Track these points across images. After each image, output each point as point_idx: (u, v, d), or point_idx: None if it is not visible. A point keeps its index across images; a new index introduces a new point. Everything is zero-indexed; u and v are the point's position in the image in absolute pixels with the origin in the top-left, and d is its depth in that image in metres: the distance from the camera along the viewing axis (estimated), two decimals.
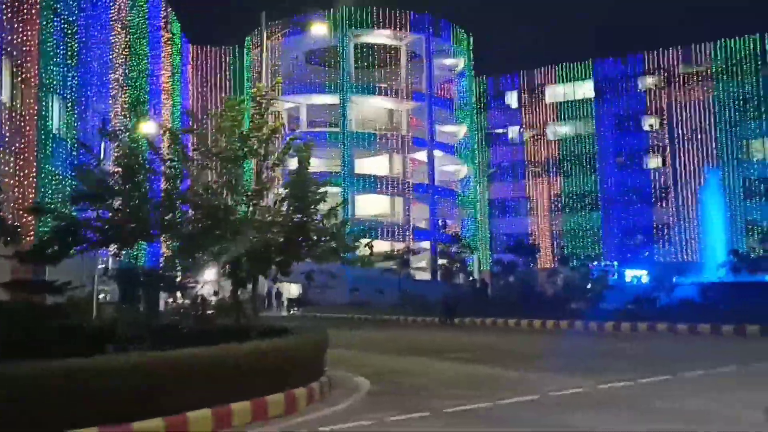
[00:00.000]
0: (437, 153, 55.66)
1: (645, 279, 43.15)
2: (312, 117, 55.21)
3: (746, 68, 58.30)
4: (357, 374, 12.00)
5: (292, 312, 42.72)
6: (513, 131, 66.64)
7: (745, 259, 28.48)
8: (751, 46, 58.37)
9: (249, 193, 12.47)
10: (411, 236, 52.36)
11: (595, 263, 42.37)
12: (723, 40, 59.21)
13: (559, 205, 64.17)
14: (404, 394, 10.22)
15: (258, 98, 13.27)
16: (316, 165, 55.93)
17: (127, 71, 38.11)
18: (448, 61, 58.98)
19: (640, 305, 25.54)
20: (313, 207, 12.59)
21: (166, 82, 47.51)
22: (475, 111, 64.69)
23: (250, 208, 12.37)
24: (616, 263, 38.53)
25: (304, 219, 12.34)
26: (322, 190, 13.21)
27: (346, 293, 47.03)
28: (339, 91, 53.09)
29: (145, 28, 42.33)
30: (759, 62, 57.89)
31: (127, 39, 38.30)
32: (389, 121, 56.50)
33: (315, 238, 12.47)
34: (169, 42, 48.92)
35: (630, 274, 46.31)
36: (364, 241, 14.18)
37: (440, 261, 35.82)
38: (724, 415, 8.22)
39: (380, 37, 54.64)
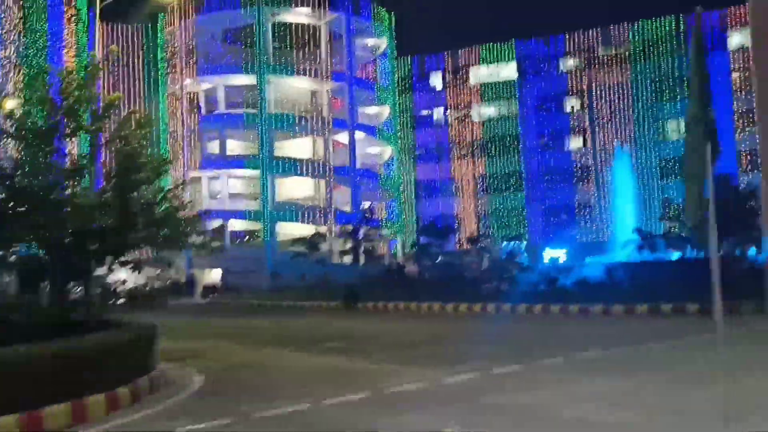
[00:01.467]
0: (359, 135, 54.68)
1: (563, 258, 43.33)
2: (231, 98, 53.37)
3: (662, 49, 59.16)
4: (202, 369, 11.06)
5: (208, 299, 41.37)
6: (438, 113, 66.19)
7: (648, 237, 28.53)
8: (667, 28, 59.22)
9: (70, 171, 11.18)
10: (333, 219, 51.39)
11: (504, 244, 42.22)
12: (640, 21, 59.88)
13: (485, 186, 64.23)
14: (232, 395, 9.33)
15: (91, 69, 11.92)
16: (233, 148, 54.92)
17: (20, 48, 35.79)
18: (370, 41, 57.88)
19: (551, 286, 25.23)
20: (145, 187, 11.41)
21: (70, 61, 45.02)
22: (398, 92, 63.94)
23: (70, 190, 11.14)
24: (524, 243, 38.34)
25: (128, 200, 11.15)
26: (162, 169, 11.93)
27: (268, 278, 45.90)
28: (257, 72, 51.41)
29: (43, 3, 39.89)
30: (674, 43, 58.79)
31: (20, 15, 35.93)
32: (311, 103, 55.18)
33: (141, 223, 11.31)
34: (74, 19, 46.36)
35: (549, 253, 46.49)
36: (215, 225, 13.08)
37: (348, 245, 34.90)
38: (551, 411, 7.56)
39: (299, 15, 53.10)
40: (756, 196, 24.62)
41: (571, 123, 62.19)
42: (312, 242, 37.84)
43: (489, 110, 64.78)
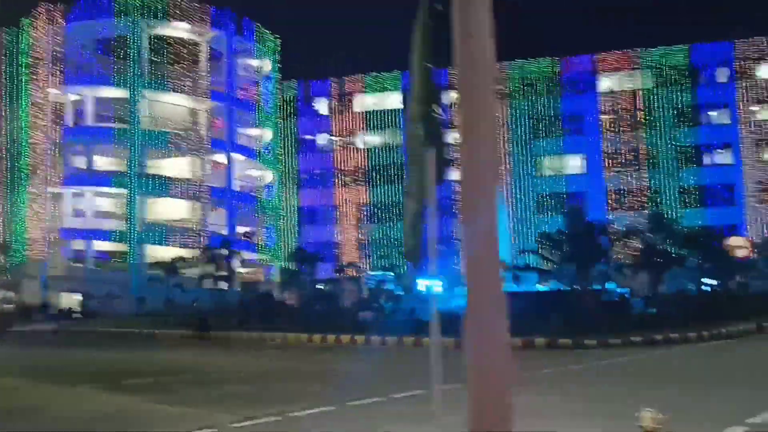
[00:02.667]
0: (239, 157, 52.83)
1: (438, 289, 42.93)
2: (100, 111, 50.26)
3: (538, 89, 60.99)
4: None
5: (54, 326, 37.90)
6: (322, 138, 65.20)
7: (511, 269, 28.45)
8: (543, 68, 61.18)
9: None
10: (205, 242, 49.02)
11: (371, 273, 41.50)
12: (518, 60, 61.58)
13: (368, 214, 63.62)
14: None
15: None
16: (102, 164, 51.60)
17: None
18: (254, 62, 56.41)
19: (419, 317, 24.37)
20: None
21: None
22: (283, 116, 62.66)
23: None
24: (391, 273, 37.77)
25: None
26: None
27: (133, 303, 42.92)
28: (129, 85, 48.68)
29: None
30: (549, 83, 60.77)
31: None
32: (190, 121, 52.88)
33: None
34: None
35: (423, 283, 46.10)
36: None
37: (220, 269, 33.06)
38: None
39: (179, 30, 50.93)
40: (607, 230, 24.99)
41: (454, 155, 62.73)
42: (171, 266, 35.54)
43: (374, 138, 64.49)
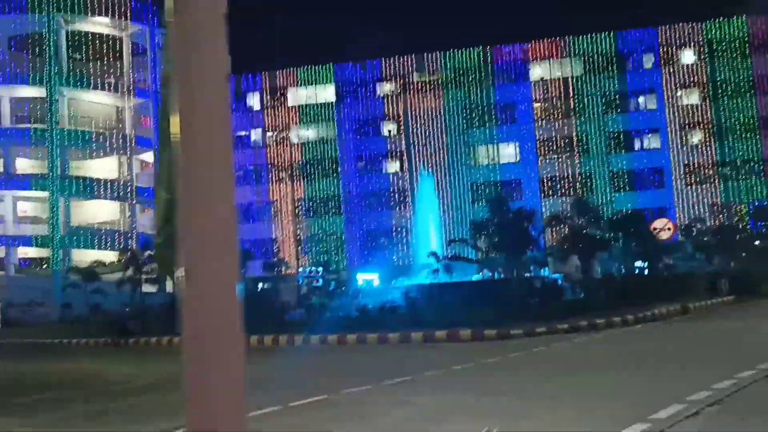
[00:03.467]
0: None
1: (377, 282, 42.42)
2: (18, 112, 47.87)
3: (472, 78, 60.99)
4: None
5: None
6: (256, 134, 63.87)
7: (444, 260, 28.09)
8: (476, 58, 61.20)
9: None
10: (134, 245, 47.25)
11: (301, 269, 40.67)
12: (452, 50, 61.45)
13: (304, 209, 62.66)
14: None
15: None
16: (23, 166, 49.16)
17: None
18: None
19: (357, 313, 23.57)
20: None
21: None
22: None
23: None
24: (321, 269, 36.98)
25: None
26: None
27: (58, 310, 41.01)
28: (47, 83, 46.45)
29: None
30: (482, 73, 60.82)
31: None
32: (115, 120, 50.87)
33: None
34: None
35: (362, 277, 45.50)
36: None
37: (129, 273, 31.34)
38: None
39: (98, 25, 48.87)
40: (534, 218, 24.80)
41: (389, 147, 62.35)
42: (89, 271, 33.93)
43: (308, 132, 63.51)
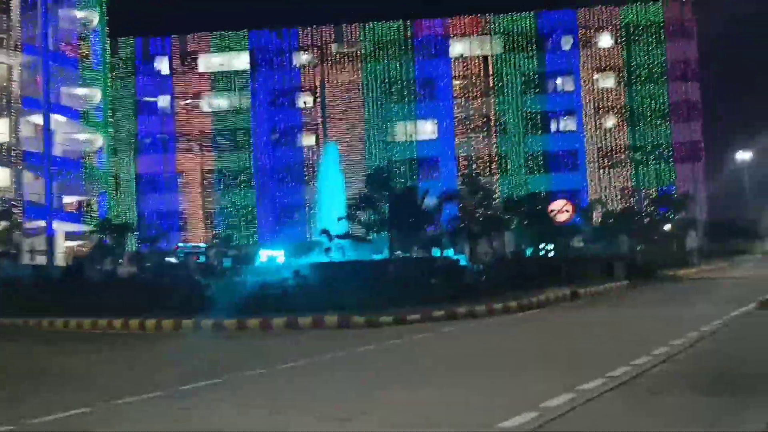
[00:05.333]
0: (60, 118, 47.08)
1: (281, 259, 40.25)
2: None
3: (391, 52, 59.05)
4: None
5: None
6: (164, 100, 60.30)
7: (335, 238, 26.22)
8: (396, 32, 59.25)
9: None
10: (22, 214, 43.53)
11: (181, 243, 38.19)
12: (371, 22, 59.30)
13: (214, 181, 59.76)
14: None
15: None
16: None
17: None
18: (79, 14, 50.40)
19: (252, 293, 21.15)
20: None
21: None
22: (120, 75, 57.38)
23: None
24: (204, 244, 34.62)
25: None
26: None
27: None
28: None
29: None
30: (402, 47, 58.96)
31: None
32: (3, 78, 46.48)
33: None
34: None
35: (265, 254, 43.26)
36: None
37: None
38: None
39: None
40: (428, 196, 23.26)
41: (304, 119, 59.97)
42: None
43: (220, 101, 60.39)
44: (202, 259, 29.11)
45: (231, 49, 59.90)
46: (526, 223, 26.34)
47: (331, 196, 34.59)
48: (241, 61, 59.89)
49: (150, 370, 10.88)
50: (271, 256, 42.48)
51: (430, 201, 24.83)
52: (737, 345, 10.34)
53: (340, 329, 15.82)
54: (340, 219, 24.27)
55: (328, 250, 26.53)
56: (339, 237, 25.46)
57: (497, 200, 28.17)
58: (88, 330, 18.16)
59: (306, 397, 7.86)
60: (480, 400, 7.25)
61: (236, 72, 59.59)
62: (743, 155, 63.90)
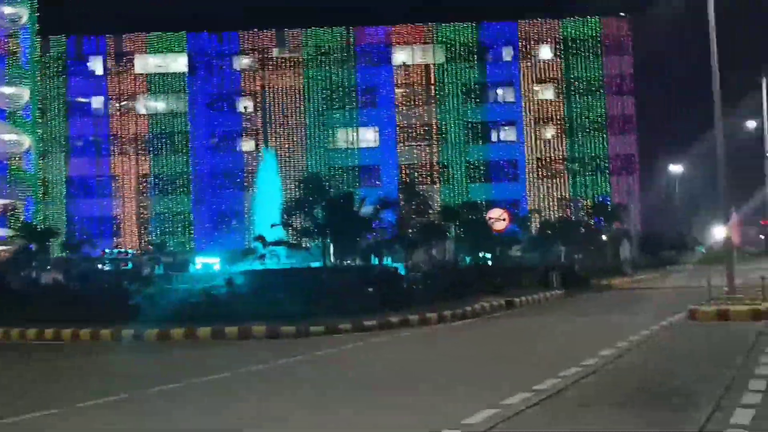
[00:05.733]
0: None
1: (217, 267, 39.14)
2: None
3: (333, 58, 58.60)
4: None
5: None
6: (97, 101, 58.32)
7: (269, 245, 25.54)
8: (339, 38, 58.84)
9: None
10: None
11: (107, 250, 36.89)
12: (313, 28, 58.74)
13: (149, 186, 58.03)
14: None
15: None
16: None
17: None
18: (8, 9, 48.33)
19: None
20: None
21: None
22: (49, 75, 55.29)
23: None
24: (132, 250, 33.45)
25: None
26: None
27: None
28: None
29: None
30: (344, 53, 58.58)
31: None
32: None
33: None
34: None
35: (201, 261, 42.06)
36: None
37: None
38: None
39: None
40: (365, 203, 22.88)
41: (244, 124, 58.88)
42: None
43: (156, 104, 58.76)
44: (130, 265, 27.91)
45: (169, 51, 58.43)
46: (463, 231, 26.21)
47: (267, 203, 33.82)
48: (179, 63, 58.46)
49: (37, 386, 10.10)
50: (207, 263, 41.42)
51: (367, 208, 24.42)
52: (664, 356, 10.24)
53: (269, 339, 15.25)
54: (273, 225, 23.58)
55: (262, 257, 25.82)
56: (273, 244, 24.77)
57: (435, 208, 27.95)
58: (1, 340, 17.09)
59: (199, 419, 7.30)
60: (396, 421, 6.83)
61: (174, 74, 58.14)
62: (675, 168, 65.83)
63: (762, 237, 70.32)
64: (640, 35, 58.16)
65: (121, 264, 27.71)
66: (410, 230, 23.48)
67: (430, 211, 25.05)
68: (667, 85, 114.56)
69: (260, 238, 26.34)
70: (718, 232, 44.95)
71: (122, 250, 34.78)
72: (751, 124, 36.77)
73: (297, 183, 21.58)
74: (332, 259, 25.20)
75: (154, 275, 28.84)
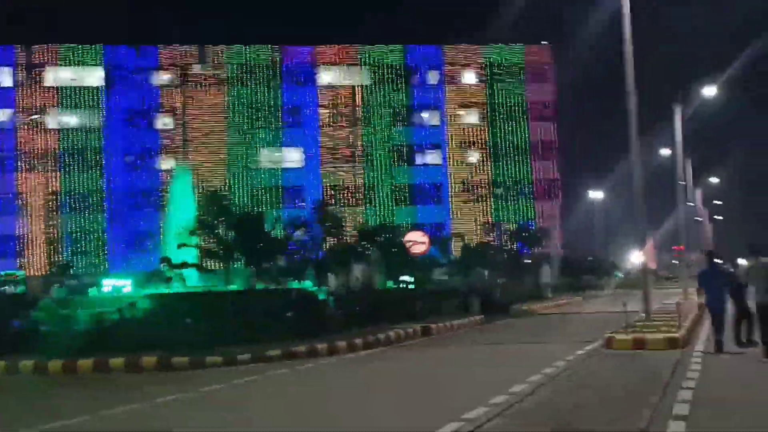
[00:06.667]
0: None
1: (128, 289, 36.83)
2: None
3: (257, 77, 57.32)
4: None
5: None
6: (4, 114, 55.10)
7: (175, 267, 23.93)
8: (263, 56, 57.66)
9: None
10: None
11: None
12: (237, 46, 57.37)
13: (59, 204, 54.95)
14: None
15: None
16: None
17: None
18: None
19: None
20: None
21: None
22: None
23: None
24: (22, 271, 31.12)
25: None
26: None
27: None
28: None
29: None
30: (269, 73, 57.40)
31: None
32: None
33: None
34: None
35: (110, 283, 39.60)
36: None
37: None
38: None
39: None
40: (276, 223, 21.65)
41: (163, 141, 56.68)
42: None
43: (69, 118, 55.95)
44: (21, 289, 25.65)
45: (83, 64, 55.87)
46: (382, 254, 25.26)
47: (178, 222, 32.03)
48: (94, 76, 55.96)
49: None
50: (117, 285, 38.98)
51: (285, 230, 23.19)
52: (578, 394, 9.41)
53: (159, 371, 13.74)
54: (179, 246, 22.01)
55: (168, 280, 24.15)
56: (178, 266, 23.15)
57: (351, 230, 26.97)
58: None
59: None
60: None
61: (88, 88, 55.59)
62: (595, 194, 67.14)
63: (675, 262, 72.47)
64: (563, 62, 59.34)
65: (8, 287, 25.34)
66: (323, 252, 22.35)
67: (344, 234, 23.97)
68: (589, 111, 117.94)
69: (166, 260, 24.71)
70: (636, 257, 45.69)
71: (11, 271, 32.11)
72: (666, 151, 37.51)
73: (198, 202, 20.04)
74: (246, 282, 23.80)
75: (44, 299, 26.61)
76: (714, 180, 62.88)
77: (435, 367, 13.27)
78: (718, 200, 71.33)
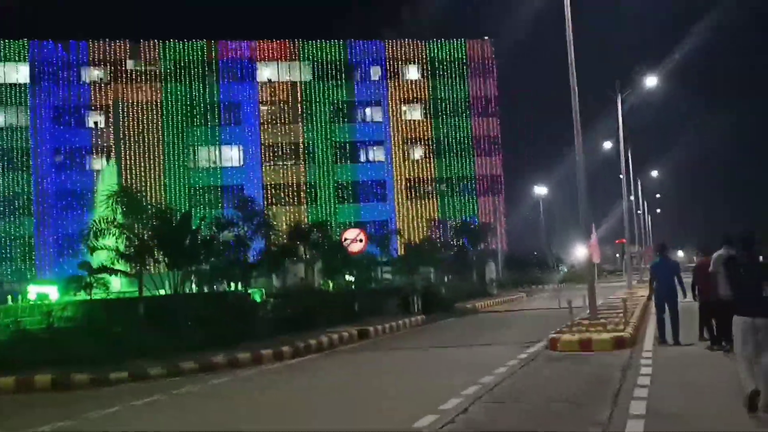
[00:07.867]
0: None
1: (55, 296, 34.45)
2: None
3: (194, 73, 55.11)
4: None
5: None
6: None
7: (95, 271, 22.05)
8: (199, 51, 55.46)
9: None
10: None
11: None
12: (172, 41, 55.00)
13: None
14: None
15: None
16: None
17: None
18: None
19: None
20: None
21: None
22: None
23: None
24: None
25: None
26: None
27: None
28: None
29: None
30: (206, 68, 55.25)
31: None
32: None
33: None
34: None
35: (35, 290, 37.09)
36: None
37: None
38: None
39: None
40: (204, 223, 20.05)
41: (94, 140, 53.92)
42: None
43: None
44: None
45: (7, 60, 52.73)
46: (317, 253, 23.87)
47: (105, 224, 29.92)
48: (19, 73, 52.87)
49: None
50: (41, 293, 36.54)
51: (212, 229, 21.47)
52: (518, 409, 8.21)
53: (54, 391, 12.05)
54: (90, 250, 20.10)
55: (87, 285, 22.20)
56: (97, 271, 21.24)
57: (282, 229, 25.46)
58: None
59: None
60: None
61: (13, 85, 52.49)
62: (539, 190, 67.01)
63: (617, 255, 73.02)
64: (504, 57, 58.87)
65: None
66: (254, 253, 20.81)
67: (272, 233, 22.47)
68: (532, 106, 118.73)
69: (86, 265, 22.78)
70: (580, 251, 45.35)
71: None
72: (608, 144, 37.18)
73: (105, 200, 18.28)
74: (171, 286, 22.05)
75: None
76: (654, 173, 63.50)
77: (364, 377, 11.93)
78: (658, 193, 72.23)
